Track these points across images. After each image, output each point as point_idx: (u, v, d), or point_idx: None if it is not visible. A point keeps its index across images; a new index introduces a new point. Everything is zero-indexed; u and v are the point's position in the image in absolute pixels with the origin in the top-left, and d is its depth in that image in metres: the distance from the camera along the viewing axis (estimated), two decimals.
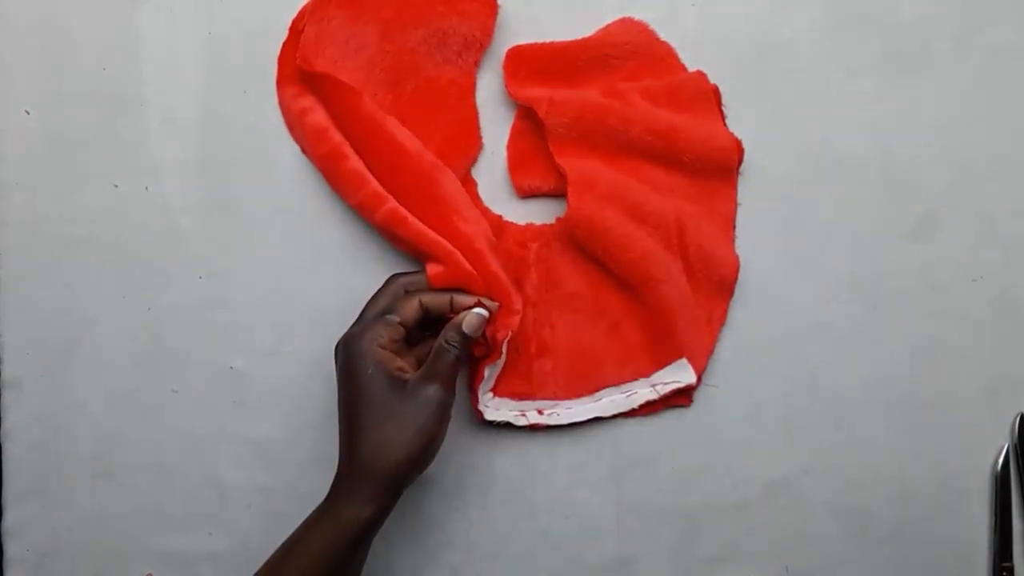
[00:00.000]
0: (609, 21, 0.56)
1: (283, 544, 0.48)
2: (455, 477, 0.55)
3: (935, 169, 0.56)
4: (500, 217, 0.56)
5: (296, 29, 0.55)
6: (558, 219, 0.55)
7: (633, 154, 0.55)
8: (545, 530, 0.55)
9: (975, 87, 0.57)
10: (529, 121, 0.56)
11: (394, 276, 0.52)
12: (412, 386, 0.48)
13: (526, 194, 0.56)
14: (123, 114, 0.56)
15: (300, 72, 0.54)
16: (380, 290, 0.52)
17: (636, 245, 0.53)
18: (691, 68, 0.56)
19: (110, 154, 0.56)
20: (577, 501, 0.55)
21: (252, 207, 0.56)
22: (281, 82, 0.56)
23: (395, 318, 0.49)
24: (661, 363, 0.54)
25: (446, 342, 0.49)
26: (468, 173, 0.56)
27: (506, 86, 0.55)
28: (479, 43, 0.55)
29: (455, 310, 0.51)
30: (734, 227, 0.56)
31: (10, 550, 0.55)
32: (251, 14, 0.56)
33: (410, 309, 0.50)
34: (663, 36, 0.56)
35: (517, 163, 0.56)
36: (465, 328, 0.50)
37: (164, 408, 0.56)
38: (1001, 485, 0.55)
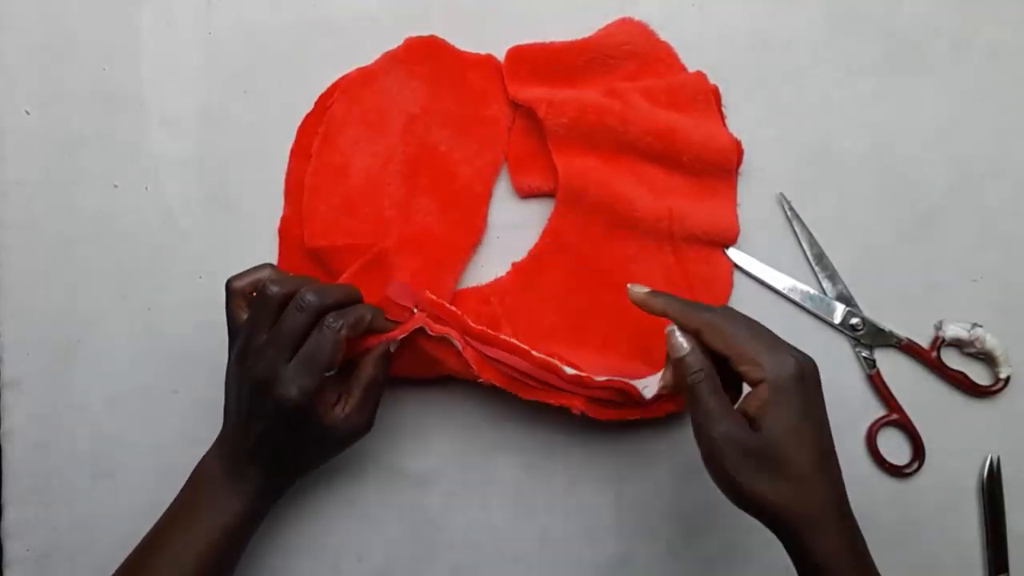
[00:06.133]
0: (609, 21, 0.56)
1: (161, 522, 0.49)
2: (455, 477, 0.55)
3: (935, 169, 0.56)
4: (452, 288, 0.54)
5: (323, 104, 0.55)
6: (514, 264, 0.55)
7: (632, 154, 0.55)
8: (545, 530, 0.55)
9: (975, 87, 0.57)
10: (529, 121, 0.56)
11: (232, 279, 0.49)
12: (342, 421, 0.48)
13: (526, 194, 0.56)
14: (123, 114, 0.56)
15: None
16: (256, 303, 0.47)
17: (629, 246, 0.53)
18: (691, 68, 0.56)
19: (110, 154, 0.56)
20: (577, 501, 0.55)
21: (252, 207, 0.56)
22: (297, 152, 0.56)
23: (333, 372, 0.47)
24: (656, 367, 0.54)
25: (368, 373, 0.49)
26: (463, 266, 0.55)
27: (506, 86, 0.55)
28: (496, 154, 0.56)
29: (374, 329, 0.49)
30: None
31: (10, 550, 0.55)
32: (251, 14, 0.56)
33: (337, 351, 0.46)
34: (663, 36, 0.56)
35: (517, 163, 0.56)
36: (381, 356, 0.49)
37: (164, 408, 0.56)
38: (989, 498, 0.54)
